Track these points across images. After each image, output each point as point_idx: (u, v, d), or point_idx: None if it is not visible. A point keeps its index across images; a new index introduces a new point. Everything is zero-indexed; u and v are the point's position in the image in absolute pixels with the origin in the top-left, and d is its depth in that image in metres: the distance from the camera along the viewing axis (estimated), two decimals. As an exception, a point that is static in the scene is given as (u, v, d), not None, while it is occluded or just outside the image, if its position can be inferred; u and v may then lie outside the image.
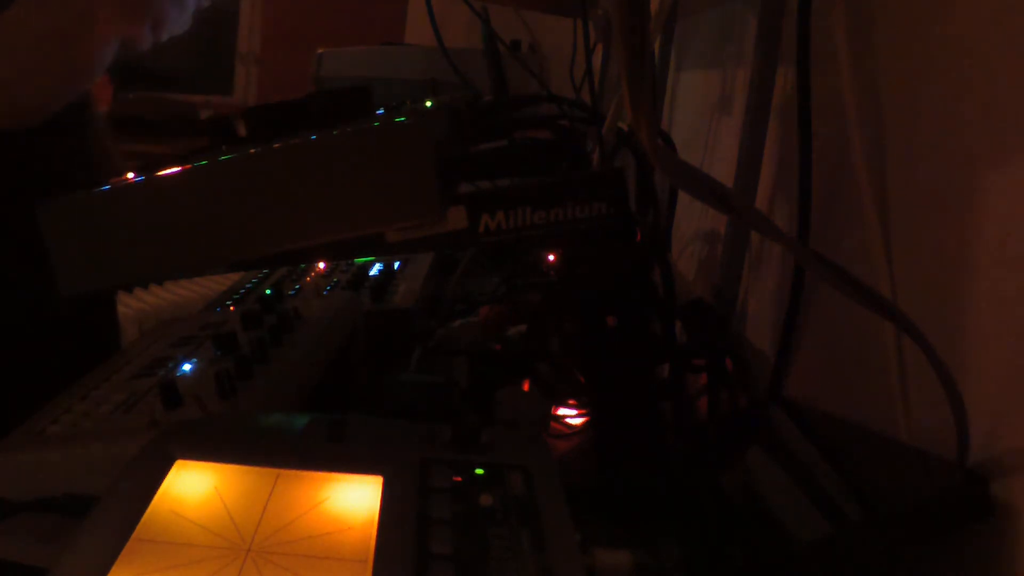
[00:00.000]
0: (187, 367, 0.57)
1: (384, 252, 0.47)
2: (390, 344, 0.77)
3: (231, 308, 0.81)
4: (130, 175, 0.45)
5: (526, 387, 0.70)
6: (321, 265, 0.96)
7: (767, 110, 0.70)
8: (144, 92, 3.14)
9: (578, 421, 0.67)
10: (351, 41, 1.26)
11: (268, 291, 0.86)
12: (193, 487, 0.38)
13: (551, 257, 0.71)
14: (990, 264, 0.40)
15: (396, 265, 0.96)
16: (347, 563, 0.34)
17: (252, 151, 0.41)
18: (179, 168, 0.42)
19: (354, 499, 0.37)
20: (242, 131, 0.48)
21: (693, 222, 0.90)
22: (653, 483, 0.52)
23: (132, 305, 0.89)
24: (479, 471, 0.40)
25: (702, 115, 0.94)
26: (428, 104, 0.57)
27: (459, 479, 0.39)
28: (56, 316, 0.69)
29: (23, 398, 0.55)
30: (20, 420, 0.52)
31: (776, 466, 0.49)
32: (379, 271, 0.93)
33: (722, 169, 0.80)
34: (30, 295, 0.56)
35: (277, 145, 0.41)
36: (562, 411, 0.68)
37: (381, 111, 0.49)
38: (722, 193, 0.36)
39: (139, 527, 0.35)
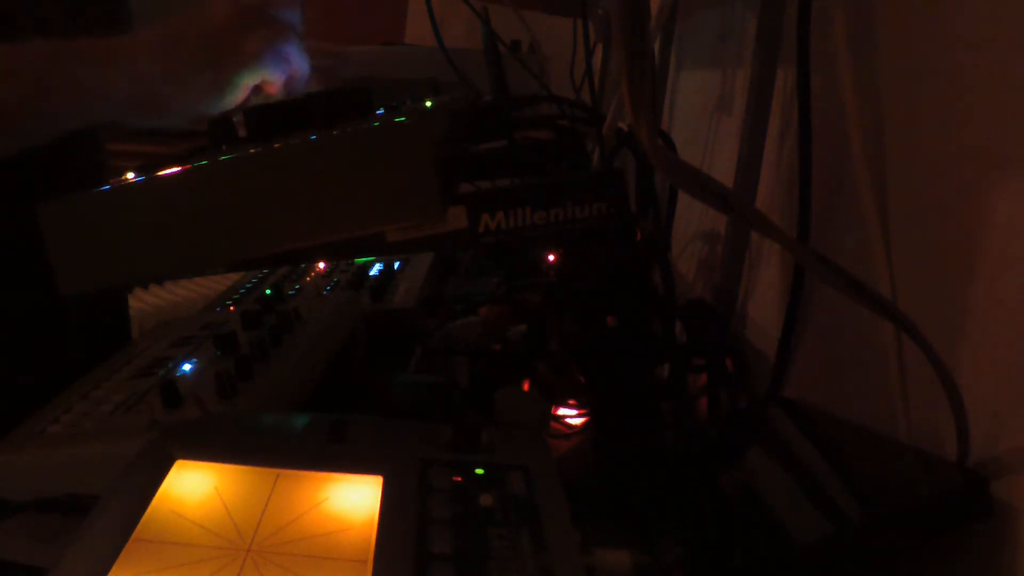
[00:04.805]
0: (187, 367, 0.57)
1: (384, 252, 0.47)
2: (390, 344, 0.77)
3: (231, 308, 0.81)
4: (130, 175, 0.45)
5: (526, 387, 0.70)
6: (321, 265, 0.96)
7: (767, 110, 0.70)
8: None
9: (578, 421, 0.67)
10: (351, 41, 1.26)
11: (268, 291, 0.86)
12: (193, 487, 0.38)
13: (551, 257, 0.71)
14: (990, 264, 0.40)
15: (396, 265, 0.96)
16: (347, 563, 0.34)
17: (252, 151, 0.41)
18: (179, 168, 0.42)
19: (354, 499, 0.37)
20: (242, 131, 0.48)
21: (693, 222, 0.90)
22: (653, 483, 0.52)
23: (132, 305, 0.89)
24: (479, 471, 0.40)
25: (702, 115, 0.94)
26: (428, 104, 0.57)
27: (459, 479, 0.39)
28: (65, 314, 0.69)
29: (29, 397, 0.55)
30: (25, 419, 0.53)
31: (776, 466, 0.49)
32: (379, 271, 0.93)
33: (722, 169, 0.80)
34: (36, 295, 0.56)
35: (277, 145, 0.41)
36: (562, 411, 0.68)
37: (381, 111, 0.49)
38: (722, 193, 0.35)
39: (139, 527, 0.35)
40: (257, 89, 0.60)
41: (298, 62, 0.61)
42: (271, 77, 0.60)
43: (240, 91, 0.58)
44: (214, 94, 0.57)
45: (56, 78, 0.53)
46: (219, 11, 0.58)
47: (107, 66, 0.55)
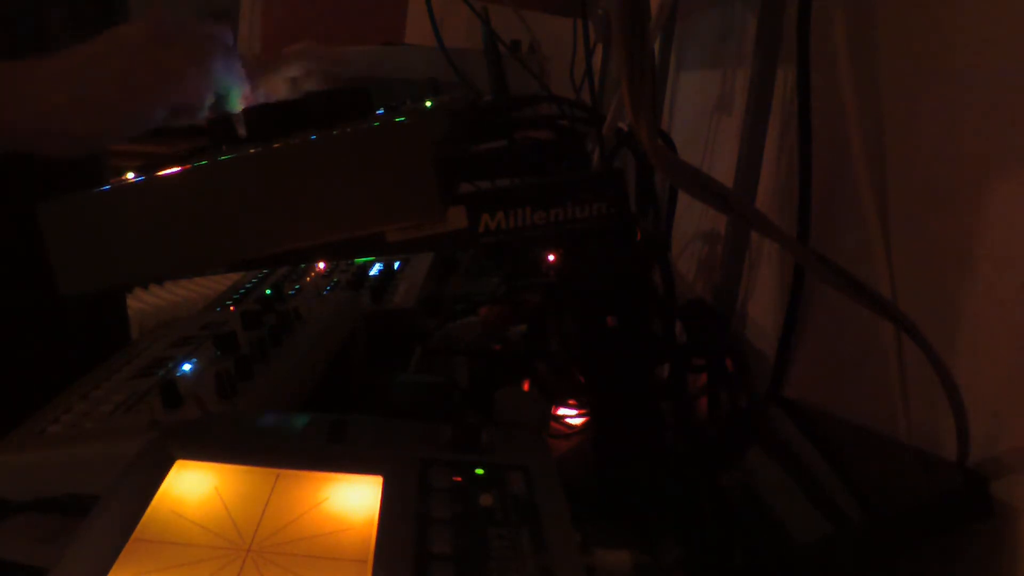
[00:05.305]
0: (187, 367, 0.57)
1: (384, 252, 0.47)
2: (390, 344, 0.77)
3: (231, 308, 0.81)
4: (130, 175, 0.45)
5: (526, 387, 0.70)
6: (321, 265, 0.96)
7: (767, 110, 0.70)
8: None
9: (578, 421, 0.67)
10: (351, 41, 1.26)
11: (268, 291, 0.86)
12: (193, 487, 0.38)
13: (551, 257, 0.71)
14: (990, 264, 0.40)
15: (396, 265, 0.96)
16: (347, 563, 0.34)
17: (252, 151, 0.41)
18: (179, 168, 0.42)
19: (354, 499, 0.37)
20: (242, 131, 0.48)
21: (693, 222, 0.90)
22: (653, 483, 0.52)
23: (132, 305, 0.89)
24: (479, 471, 0.40)
25: (702, 115, 0.94)
26: (428, 104, 0.57)
27: (459, 479, 0.39)
28: (63, 314, 0.69)
29: (29, 397, 0.55)
30: (25, 419, 0.53)
31: (776, 466, 0.49)
32: (379, 271, 0.93)
33: (722, 169, 0.80)
34: (36, 295, 0.56)
35: (277, 145, 0.41)
36: (562, 411, 0.68)
37: (381, 111, 0.49)
38: (722, 193, 0.35)
39: (139, 527, 0.35)
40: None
41: (229, 77, 0.59)
42: (194, 97, 0.57)
43: (160, 109, 0.55)
44: (129, 118, 0.55)
45: None
46: (134, 31, 0.55)
47: (6, 95, 0.52)
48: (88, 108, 0.53)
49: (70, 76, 0.53)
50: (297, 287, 0.89)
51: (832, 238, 0.56)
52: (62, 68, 0.53)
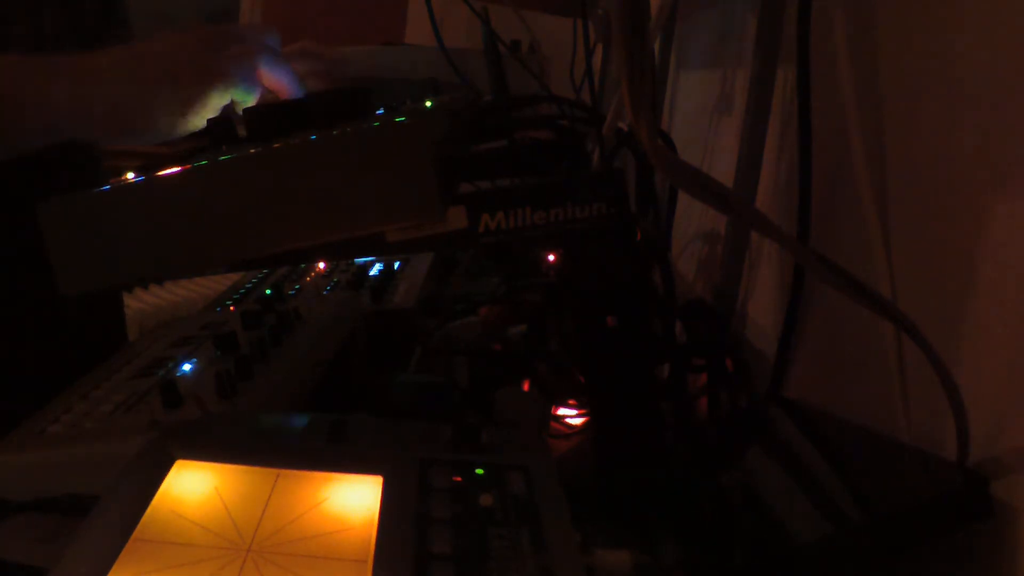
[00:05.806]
0: (187, 367, 0.57)
1: (384, 252, 0.47)
2: (390, 344, 0.77)
3: (231, 308, 0.81)
4: (130, 175, 0.45)
5: (526, 387, 0.70)
6: (321, 265, 0.96)
7: (767, 110, 0.70)
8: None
9: (578, 421, 0.67)
10: (351, 41, 1.26)
11: (268, 291, 0.86)
12: (193, 487, 0.38)
13: (551, 257, 0.71)
14: (990, 264, 0.40)
15: (396, 265, 0.96)
16: (347, 563, 0.34)
17: (252, 151, 0.41)
18: (179, 168, 0.42)
19: (354, 499, 0.37)
20: (242, 131, 0.48)
21: (693, 222, 0.90)
22: (653, 483, 0.52)
23: (132, 305, 0.89)
24: (479, 471, 0.40)
25: (702, 115, 0.94)
26: (428, 104, 0.57)
27: (459, 479, 0.39)
28: (62, 315, 0.69)
29: (29, 397, 0.55)
30: (25, 419, 0.53)
31: (776, 466, 0.49)
32: (379, 271, 0.93)
33: (722, 169, 0.80)
34: (35, 295, 0.56)
35: (277, 145, 0.41)
36: (562, 411, 0.68)
37: (381, 111, 0.49)
38: (722, 193, 0.35)
39: (139, 527, 0.35)
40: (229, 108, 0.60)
41: (279, 80, 0.61)
42: (241, 96, 0.59)
43: (208, 110, 0.58)
44: (181, 113, 0.57)
45: (27, 93, 0.53)
46: (187, 32, 0.58)
47: (77, 83, 0.54)
48: (145, 99, 0.55)
49: (128, 67, 0.56)
50: (297, 287, 0.89)
51: (832, 238, 0.56)
52: (118, 60, 0.56)
